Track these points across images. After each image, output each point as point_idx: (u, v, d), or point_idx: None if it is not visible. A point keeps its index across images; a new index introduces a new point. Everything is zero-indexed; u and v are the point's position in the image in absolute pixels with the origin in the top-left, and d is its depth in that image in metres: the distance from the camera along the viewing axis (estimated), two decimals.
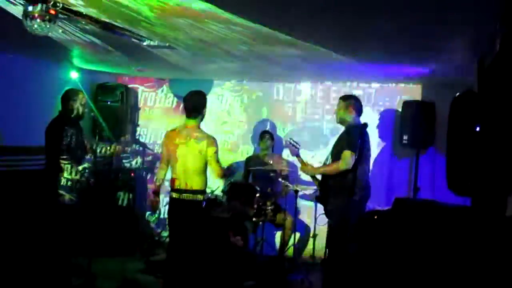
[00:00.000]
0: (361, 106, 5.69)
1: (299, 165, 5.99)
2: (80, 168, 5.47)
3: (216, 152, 5.19)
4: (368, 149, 5.61)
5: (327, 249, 5.70)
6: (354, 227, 5.37)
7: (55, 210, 5.53)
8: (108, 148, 5.90)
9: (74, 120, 5.59)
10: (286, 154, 7.38)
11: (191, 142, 5.13)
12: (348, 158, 5.26)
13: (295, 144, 6.01)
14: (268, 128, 7.86)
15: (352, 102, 5.63)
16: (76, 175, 5.44)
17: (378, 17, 3.94)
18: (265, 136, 7.31)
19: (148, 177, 8.44)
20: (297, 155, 5.97)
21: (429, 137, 6.84)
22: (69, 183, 5.40)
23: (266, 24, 4.26)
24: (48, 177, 5.52)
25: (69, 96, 5.60)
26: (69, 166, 5.41)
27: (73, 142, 5.38)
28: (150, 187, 7.82)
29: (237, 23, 4.24)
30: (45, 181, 5.57)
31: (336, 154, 5.50)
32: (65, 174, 5.39)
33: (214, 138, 5.22)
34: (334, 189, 5.46)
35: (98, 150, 5.81)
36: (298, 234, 7.15)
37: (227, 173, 5.59)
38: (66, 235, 5.43)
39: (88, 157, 5.65)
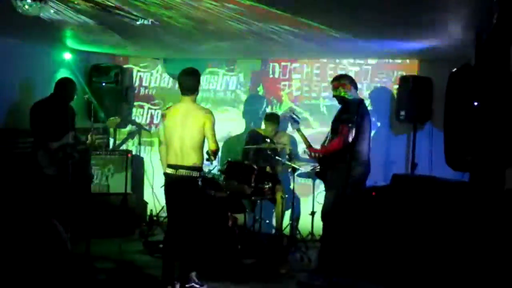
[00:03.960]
0: (354, 80, 5.80)
1: (300, 139, 5.99)
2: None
3: (213, 125, 5.16)
4: (368, 125, 5.63)
5: (322, 221, 5.75)
6: (353, 203, 5.40)
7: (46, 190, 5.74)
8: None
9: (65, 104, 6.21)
10: (288, 130, 7.43)
11: (188, 119, 5.11)
12: (344, 133, 5.30)
13: (295, 117, 6.00)
14: (264, 106, 7.84)
15: (345, 80, 5.69)
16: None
17: None
18: (271, 119, 7.21)
19: (145, 157, 8.43)
20: (298, 129, 5.98)
21: (426, 113, 6.82)
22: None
23: (260, 1, 4.20)
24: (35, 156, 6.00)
25: (66, 86, 6.33)
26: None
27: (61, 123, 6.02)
28: None
29: (231, 0, 4.19)
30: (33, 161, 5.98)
31: (334, 132, 5.56)
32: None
33: (210, 112, 5.19)
34: (333, 165, 5.51)
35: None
36: (296, 212, 7.16)
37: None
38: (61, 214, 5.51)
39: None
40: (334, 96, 5.84)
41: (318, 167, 5.91)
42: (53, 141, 5.99)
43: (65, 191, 5.86)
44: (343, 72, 7.36)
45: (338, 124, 5.53)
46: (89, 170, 6.41)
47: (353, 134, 5.22)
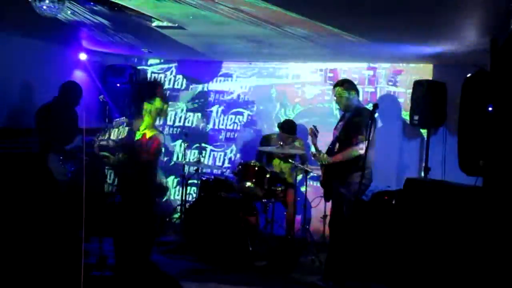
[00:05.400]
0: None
1: (313, 150, 5.93)
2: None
3: None
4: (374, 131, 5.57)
5: (330, 230, 5.73)
6: (359, 210, 5.39)
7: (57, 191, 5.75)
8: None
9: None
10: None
11: None
12: (361, 144, 5.22)
13: (316, 132, 5.99)
14: (277, 109, 7.87)
15: (349, 85, 5.62)
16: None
17: None
18: (286, 129, 7.08)
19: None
20: (315, 143, 5.95)
21: (440, 117, 6.79)
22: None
23: (275, 3, 4.22)
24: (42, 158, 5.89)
25: (71, 90, 6.28)
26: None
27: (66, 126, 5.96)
28: None
29: (246, 3, 4.21)
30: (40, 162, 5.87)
31: (345, 139, 5.43)
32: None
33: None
34: (343, 172, 5.42)
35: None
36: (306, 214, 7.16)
37: None
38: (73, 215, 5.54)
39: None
40: (341, 97, 5.60)
41: (322, 176, 5.81)
42: (63, 145, 5.97)
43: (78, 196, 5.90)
44: (356, 76, 7.38)
45: (351, 132, 5.41)
46: (103, 170, 6.44)
47: (366, 145, 5.12)
